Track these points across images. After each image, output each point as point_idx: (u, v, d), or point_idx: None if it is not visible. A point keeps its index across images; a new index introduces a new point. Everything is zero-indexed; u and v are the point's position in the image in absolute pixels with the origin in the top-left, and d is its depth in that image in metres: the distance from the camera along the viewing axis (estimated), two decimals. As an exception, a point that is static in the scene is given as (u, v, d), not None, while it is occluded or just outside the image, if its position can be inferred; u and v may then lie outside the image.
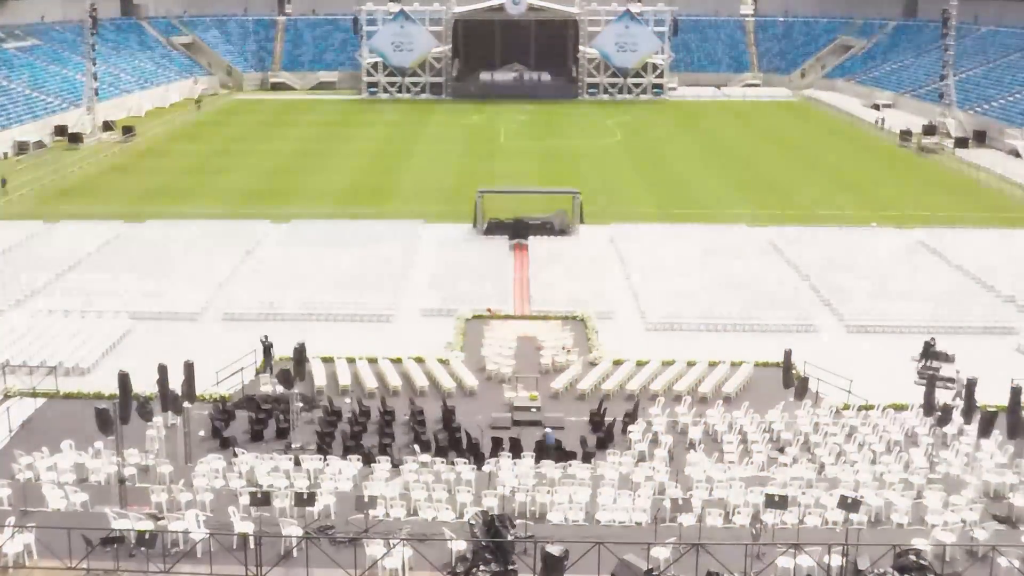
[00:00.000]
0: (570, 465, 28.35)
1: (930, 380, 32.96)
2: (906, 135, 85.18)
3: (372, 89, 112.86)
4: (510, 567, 21.36)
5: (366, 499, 23.62)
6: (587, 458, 29.32)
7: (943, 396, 32.72)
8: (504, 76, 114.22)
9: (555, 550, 20.31)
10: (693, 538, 22.39)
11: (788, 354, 34.95)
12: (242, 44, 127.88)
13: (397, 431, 31.63)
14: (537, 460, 28.62)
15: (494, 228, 55.35)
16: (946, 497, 25.83)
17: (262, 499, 23.99)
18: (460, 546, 22.15)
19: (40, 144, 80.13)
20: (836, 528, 23.91)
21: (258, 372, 36.10)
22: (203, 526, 23.07)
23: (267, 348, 36.21)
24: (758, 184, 69.59)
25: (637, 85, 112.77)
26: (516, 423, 32.35)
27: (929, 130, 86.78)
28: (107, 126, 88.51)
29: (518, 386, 34.77)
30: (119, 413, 26.68)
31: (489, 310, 42.67)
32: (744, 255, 51.60)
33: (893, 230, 56.35)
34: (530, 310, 43.70)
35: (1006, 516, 25.05)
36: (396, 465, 28.14)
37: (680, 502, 24.33)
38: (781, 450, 30.20)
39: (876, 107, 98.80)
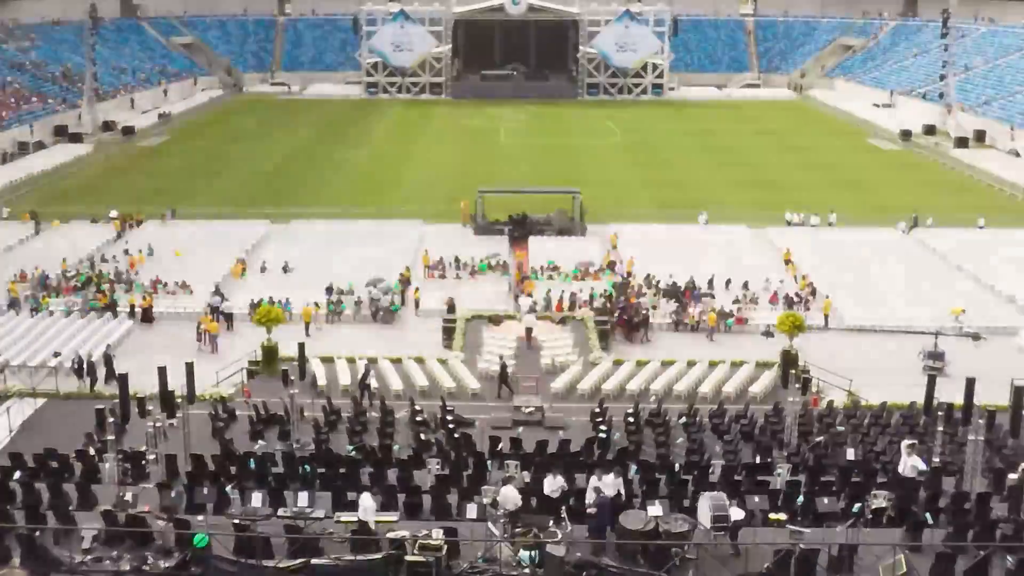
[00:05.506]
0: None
1: (930, 379, 32.93)
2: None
3: (372, 89, 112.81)
4: None
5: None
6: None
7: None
8: (504, 76, 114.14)
9: (556, 550, 20.26)
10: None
11: (787, 353, 34.87)
12: (242, 44, 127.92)
13: (397, 431, 31.57)
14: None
15: (494, 227, 55.34)
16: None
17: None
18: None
19: (40, 144, 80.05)
20: (837, 528, 23.84)
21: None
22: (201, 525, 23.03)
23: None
24: (758, 184, 69.57)
25: (637, 85, 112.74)
26: (516, 423, 32.33)
27: (929, 130, 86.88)
28: (107, 126, 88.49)
29: (519, 387, 34.71)
30: (119, 413, 26.69)
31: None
32: (744, 255, 51.60)
33: (893, 230, 56.32)
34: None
35: None
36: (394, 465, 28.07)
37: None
38: (782, 450, 30.19)
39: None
